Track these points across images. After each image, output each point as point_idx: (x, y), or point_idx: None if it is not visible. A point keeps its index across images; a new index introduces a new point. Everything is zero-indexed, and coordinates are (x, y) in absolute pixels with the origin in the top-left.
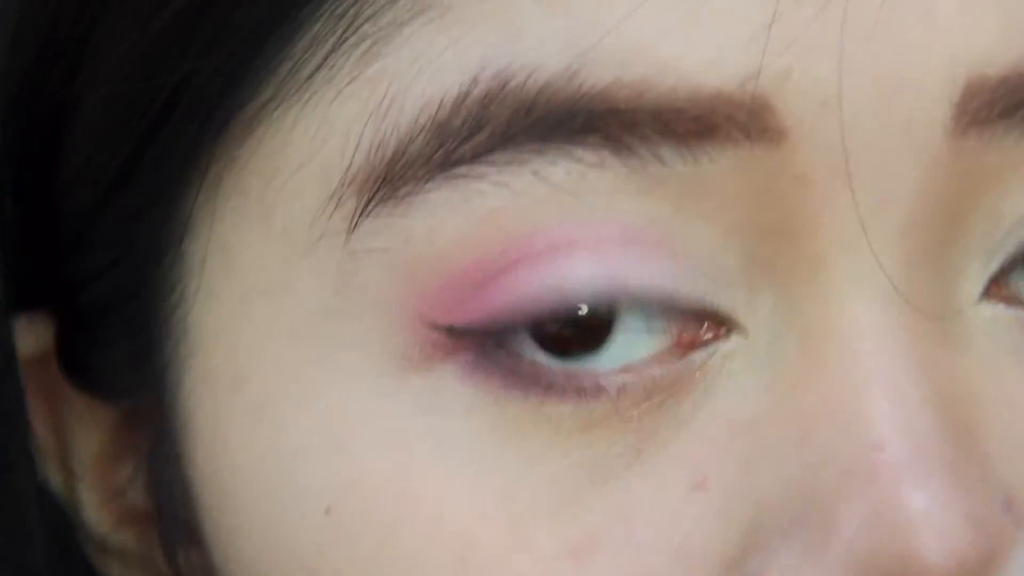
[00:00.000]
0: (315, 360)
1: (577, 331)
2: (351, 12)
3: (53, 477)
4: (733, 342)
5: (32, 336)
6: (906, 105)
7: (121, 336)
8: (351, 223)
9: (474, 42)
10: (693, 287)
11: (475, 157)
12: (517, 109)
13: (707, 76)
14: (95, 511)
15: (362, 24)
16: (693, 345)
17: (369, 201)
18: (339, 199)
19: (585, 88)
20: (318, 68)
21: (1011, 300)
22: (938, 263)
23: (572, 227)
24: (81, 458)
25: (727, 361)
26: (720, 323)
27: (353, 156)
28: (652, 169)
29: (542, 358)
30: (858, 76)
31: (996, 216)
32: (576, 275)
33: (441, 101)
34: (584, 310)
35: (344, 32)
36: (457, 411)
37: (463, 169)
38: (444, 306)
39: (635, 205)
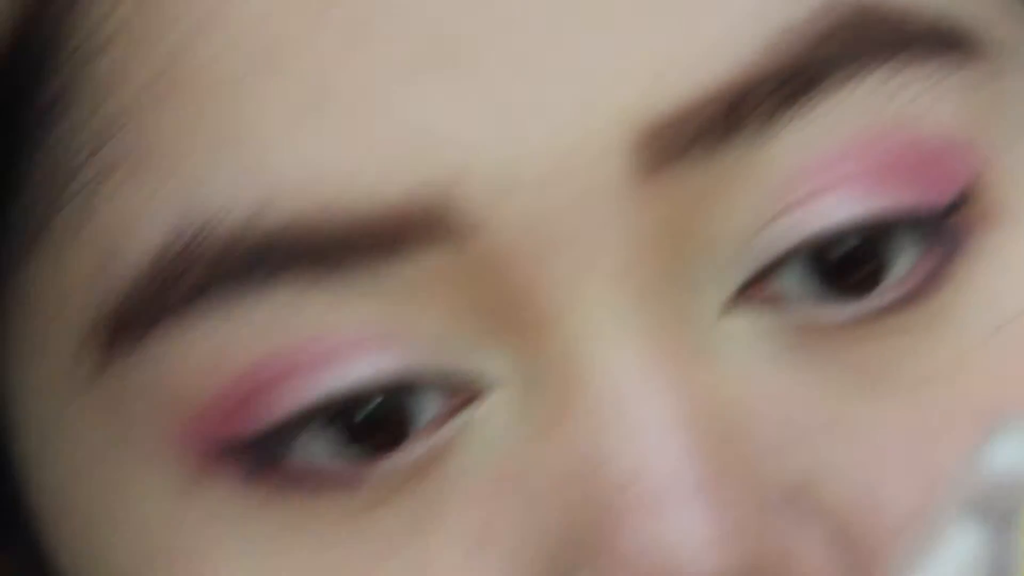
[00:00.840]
0: (113, 487)
1: (376, 425)
2: (55, 176)
3: None
4: (488, 404)
5: None
6: (582, 170)
7: None
8: (100, 371)
9: (168, 194)
10: (436, 366)
11: (190, 300)
12: (216, 255)
13: (381, 193)
14: None
15: (69, 185)
16: (448, 417)
17: (109, 352)
18: (80, 351)
19: (270, 227)
20: (37, 233)
21: (774, 300)
22: (668, 291)
23: (303, 343)
24: None
25: (485, 423)
26: (471, 390)
27: (86, 311)
28: (361, 281)
29: (316, 457)
30: (528, 158)
31: (715, 238)
32: (321, 383)
33: (151, 251)
34: (369, 406)
35: (53, 196)
36: (240, 522)
37: (184, 311)
38: (202, 431)
39: (355, 311)
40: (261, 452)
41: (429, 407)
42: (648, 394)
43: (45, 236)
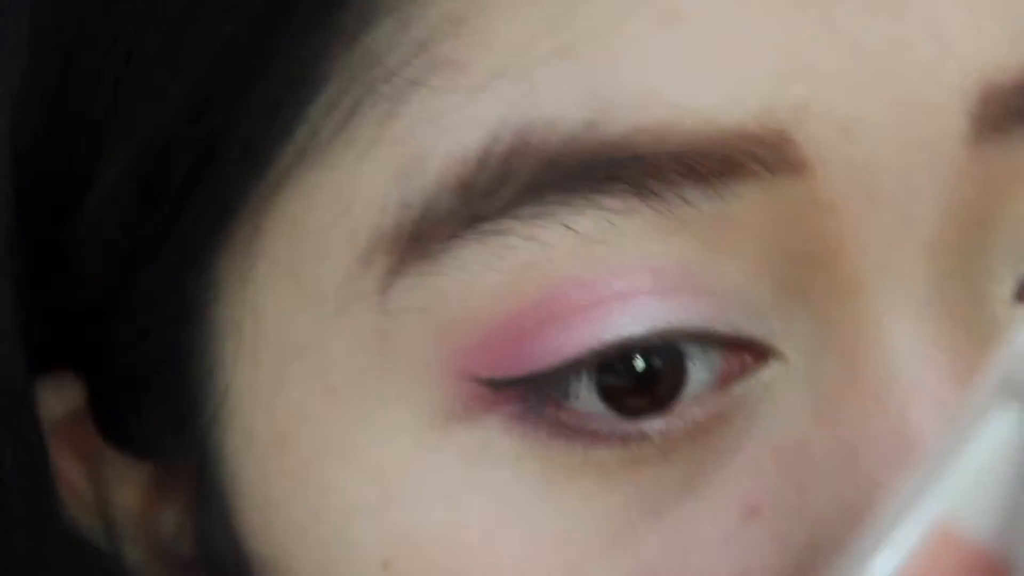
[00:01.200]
0: (357, 417)
1: (642, 387)
2: (366, 75)
3: (96, 535)
4: (773, 369)
5: (60, 397)
6: (923, 122)
7: (157, 401)
8: (383, 284)
9: (492, 98)
10: (727, 322)
11: (501, 212)
12: (540, 163)
13: (726, 115)
14: (142, 566)
15: (378, 86)
16: (732, 378)
17: (400, 261)
18: (368, 260)
19: (606, 137)
20: (337, 132)
21: None
22: (969, 272)
23: (604, 275)
24: (123, 514)
25: (768, 389)
26: (758, 352)
27: (380, 217)
28: (678, 211)
29: (591, 406)
30: (874, 101)
31: (1022, 219)
32: (612, 325)
33: (464, 158)
34: (640, 364)
35: (361, 95)
36: (504, 461)
37: (491, 225)
38: (483, 361)
39: (663, 247)
40: (536, 393)
41: (710, 365)
42: (944, 380)
43: (342, 137)
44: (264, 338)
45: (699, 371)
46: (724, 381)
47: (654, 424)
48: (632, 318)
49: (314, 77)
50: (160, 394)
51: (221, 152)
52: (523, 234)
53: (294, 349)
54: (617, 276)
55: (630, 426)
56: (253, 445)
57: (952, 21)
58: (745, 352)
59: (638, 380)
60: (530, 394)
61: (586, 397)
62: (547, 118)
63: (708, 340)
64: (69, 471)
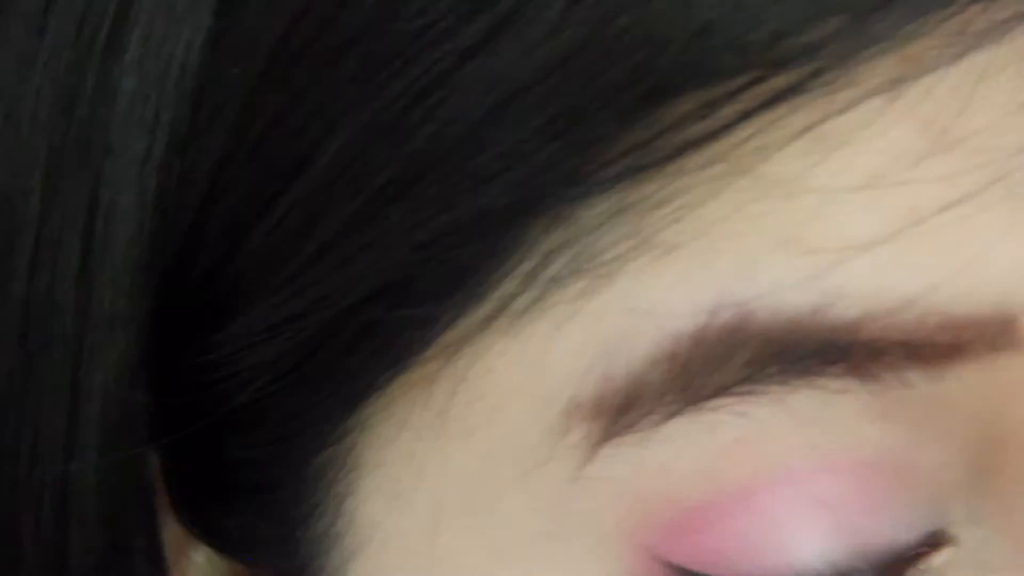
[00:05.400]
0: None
1: None
2: (569, 250)
3: None
4: (944, 555)
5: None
6: None
7: (266, 514)
8: (580, 453)
9: (707, 278)
10: (919, 516)
11: (717, 392)
12: (761, 344)
13: (958, 306)
14: None
15: (582, 263)
16: (905, 567)
17: (601, 432)
18: (561, 428)
19: (831, 323)
20: (532, 304)
21: None
22: None
23: (813, 460)
24: None
25: (937, 572)
26: (935, 541)
27: (578, 388)
28: (895, 392)
29: None
30: None
31: None
32: (812, 535)
33: (677, 336)
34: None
35: (562, 269)
36: None
37: (704, 403)
38: (669, 541)
39: (874, 432)
40: None
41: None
42: None
43: (536, 308)
44: (418, 484)
45: None
46: (895, 571)
47: None
48: (833, 532)
49: (513, 249)
50: (272, 509)
51: (398, 313)
52: (736, 410)
53: (457, 503)
54: (826, 462)
55: None
56: None
57: None
58: (923, 542)
59: None
60: None
61: None
62: (768, 300)
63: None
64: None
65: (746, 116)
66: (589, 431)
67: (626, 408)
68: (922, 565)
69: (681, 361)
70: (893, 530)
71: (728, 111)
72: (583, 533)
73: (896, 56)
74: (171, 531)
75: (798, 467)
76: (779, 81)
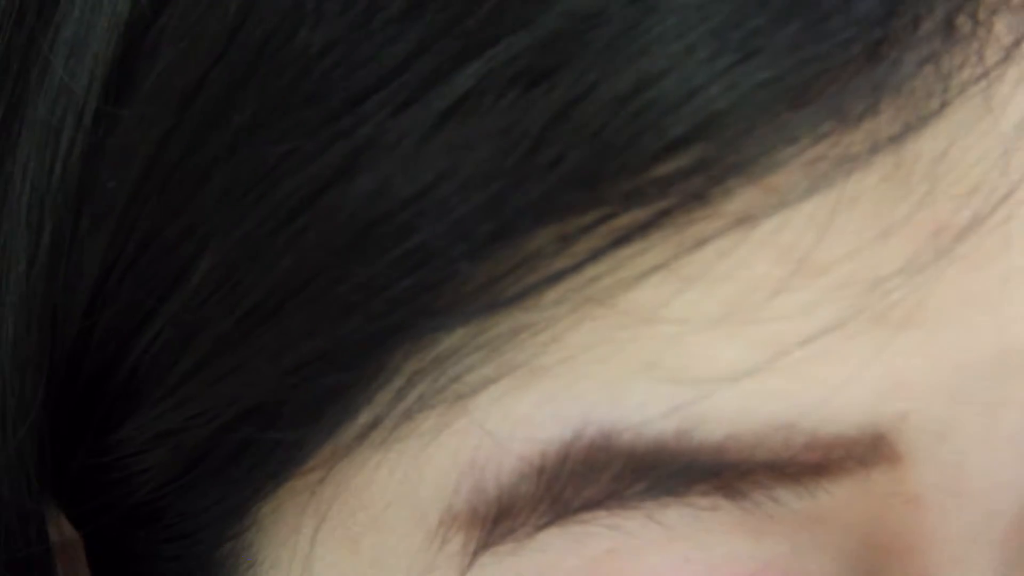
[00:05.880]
0: None
1: None
2: (431, 374)
3: None
4: None
5: (58, 527)
6: (1012, 420)
7: None
8: (462, 562)
9: (572, 399)
10: None
11: (586, 505)
12: (626, 463)
13: (824, 427)
14: None
15: (444, 385)
16: None
17: (478, 542)
18: (441, 537)
19: (696, 445)
20: (402, 420)
21: None
22: None
23: (690, 571)
24: None
25: None
26: None
27: (452, 498)
28: (767, 509)
29: None
30: (969, 408)
31: None
32: None
33: (543, 453)
34: None
35: (425, 390)
36: None
37: (574, 516)
38: None
39: (751, 546)
40: None
41: None
42: None
43: (407, 426)
44: None
45: None
46: None
47: None
48: None
49: (377, 374)
50: None
51: (275, 426)
52: (607, 523)
53: None
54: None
55: None
56: None
57: None
58: None
59: None
60: None
61: None
62: (634, 423)
63: None
64: None
65: (599, 253)
66: (466, 540)
67: (500, 519)
68: None
69: (549, 476)
70: None
71: (581, 247)
72: None
73: (753, 188)
74: None
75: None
76: (632, 217)
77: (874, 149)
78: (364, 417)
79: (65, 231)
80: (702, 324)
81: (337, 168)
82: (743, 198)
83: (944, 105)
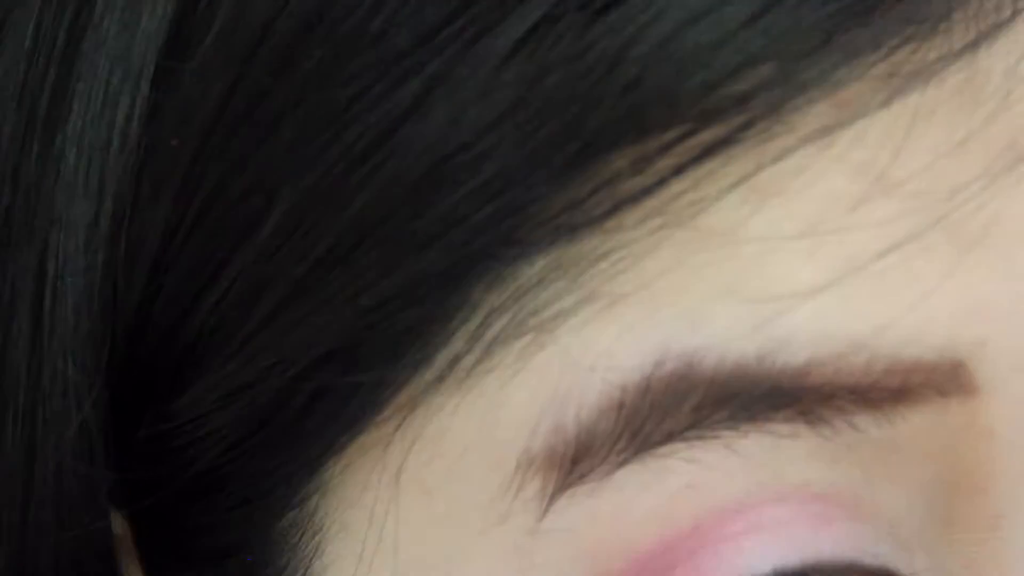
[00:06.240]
0: None
1: None
2: (510, 308)
3: None
4: None
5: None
6: None
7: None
8: (536, 506)
9: (652, 327)
10: (876, 555)
11: (666, 438)
12: (707, 391)
13: (904, 349)
14: None
15: (524, 320)
16: None
17: (556, 484)
18: (520, 483)
19: (778, 369)
20: (479, 362)
21: None
22: None
23: (763, 502)
24: None
25: None
26: None
27: (529, 440)
28: (845, 436)
29: None
30: None
31: None
32: (766, 556)
33: (624, 386)
34: None
35: (505, 327)
36: None
37: (653, 450)
38: None
39: (826, 474)
40: None
41: None
42: None
43: (484, 366)
44: (382, 546)
45: None
46: None
47: None
48: (787, 550)
49: (456, 311)
50: (237, 569)
51: (347, 379)
52: (685, 456)
53: (419, 562)
54: (777, 504)
55: None
56: None
57: None
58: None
59: None
60: None
61: None
62: (715, 348)
63: (853, 573)
64: None
65: (680, 170)
66: (543, 484)
67: (578, 458)
68: None
69: (629, 410)
70: (853, 552)
71: (661, 166)
72: None
73: (827, 102)
74: None
75: (749, 503)
76: (711, 133)
77: (946, 61)
78: (443, 356)
79: (126, 195)
80: (781, 241)
81: (409, 104)
82: (818, 113)
83: (1016, 14)
